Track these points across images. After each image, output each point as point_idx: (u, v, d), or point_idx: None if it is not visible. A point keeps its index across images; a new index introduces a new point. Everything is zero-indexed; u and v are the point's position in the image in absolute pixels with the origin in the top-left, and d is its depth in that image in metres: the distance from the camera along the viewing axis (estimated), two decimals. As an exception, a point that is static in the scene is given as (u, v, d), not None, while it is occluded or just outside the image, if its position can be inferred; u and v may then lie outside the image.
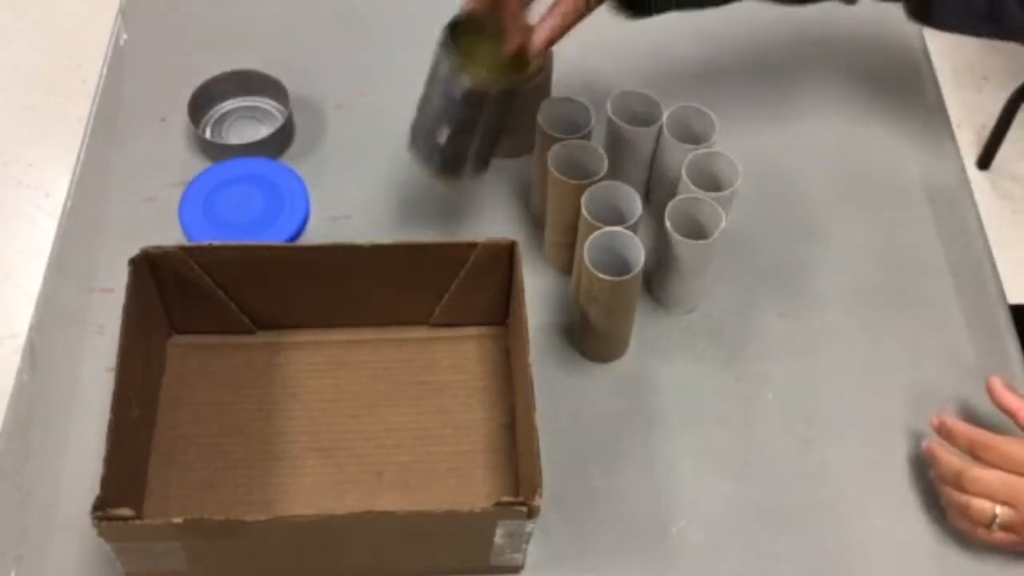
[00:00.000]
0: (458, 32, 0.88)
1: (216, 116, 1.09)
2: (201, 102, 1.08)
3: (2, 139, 2.10)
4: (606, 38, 0.96)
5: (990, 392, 0.86)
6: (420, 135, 0.94)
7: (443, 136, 0.90)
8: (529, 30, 0.87)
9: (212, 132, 1.08)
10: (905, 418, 0.93)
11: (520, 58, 0.88)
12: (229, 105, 1.10)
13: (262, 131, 1.07)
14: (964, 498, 0.81)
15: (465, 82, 0.87)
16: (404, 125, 0.94)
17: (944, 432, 0.85)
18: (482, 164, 0.95)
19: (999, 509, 0.79)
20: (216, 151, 1.05)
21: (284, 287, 0.88)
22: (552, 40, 0.87)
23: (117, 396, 0.76)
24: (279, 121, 1.06)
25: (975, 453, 0.82)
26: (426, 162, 0.94)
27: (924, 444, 0.86)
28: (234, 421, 0.88)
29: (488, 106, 0.89)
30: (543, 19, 0.86)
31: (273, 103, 1.10)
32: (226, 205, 0.95)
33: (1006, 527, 0.80)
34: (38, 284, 0.97)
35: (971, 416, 0.91)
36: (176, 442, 0.87)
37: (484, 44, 0.89)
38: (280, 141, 1.06)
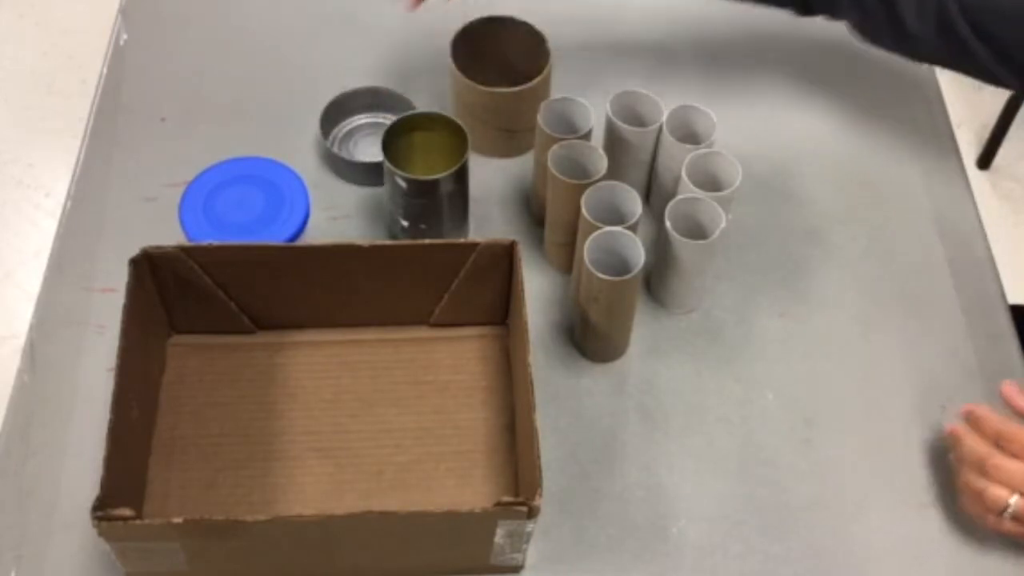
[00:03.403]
0: (401, 129, 0.94)
1: (345, 130, 1.08)
2: (333, 114, 1.06)
3: (2, 139, 2.10)
4: (606, 38, 0.96)
5: (1004, 399, 0.86)
6: (387, 219, 0.99)
7: (404, 223, 0.96)
8: None
9: (339, 146, 1.06)
10: (905, 418, 0.93)
11: (459, 144, 0.93)
12: (359, 120, 1.08)
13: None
14: (982, 483, 0.81)
15: (401, 182, 0.91)
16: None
17: (972, 419, 0.85)
18: (453, 232, 0.98)
19: (1014, 499, 0.80)
20: (340, 166, 1.04)
21: (284, 287, 0.88)
22: None
23: (117, 396, 0.76)
24: None
25: (1000, 442, 0.82)
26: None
27: (947, 426, 0.86)
28: (234, 421, 0.88)
29: (438, 190, 0.92)
30: None
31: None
32: (226, 205, 0.95)
33: (1017, 517, 0.80)
34: (38, 284, 0.97)
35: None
36: (176, 442, 0.87)
37: (426, 137, 0.95)
38: None
